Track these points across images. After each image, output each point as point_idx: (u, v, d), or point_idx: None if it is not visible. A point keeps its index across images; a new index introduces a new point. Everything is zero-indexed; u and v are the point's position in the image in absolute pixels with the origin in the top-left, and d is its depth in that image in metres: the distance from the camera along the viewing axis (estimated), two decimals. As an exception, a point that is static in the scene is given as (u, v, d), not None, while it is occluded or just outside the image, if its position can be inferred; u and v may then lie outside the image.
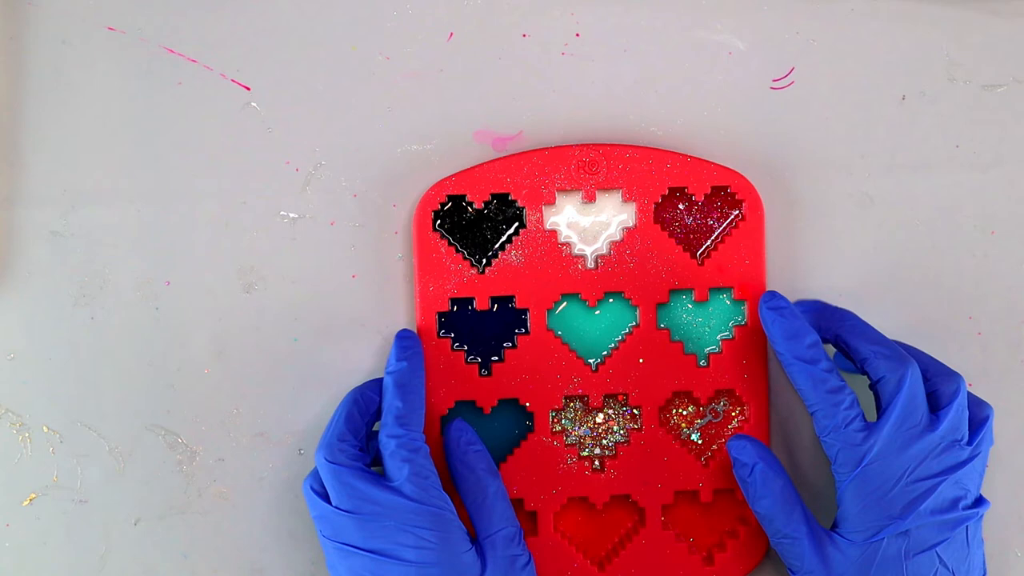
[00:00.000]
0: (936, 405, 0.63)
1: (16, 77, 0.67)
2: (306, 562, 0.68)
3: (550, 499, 0.67)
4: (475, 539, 0.63)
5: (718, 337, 0.67)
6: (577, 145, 0.67)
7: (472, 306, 0.67)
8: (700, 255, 0.68)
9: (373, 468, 0.63)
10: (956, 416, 0.63)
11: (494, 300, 0.67)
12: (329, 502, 0.61)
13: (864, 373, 0.64)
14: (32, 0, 0.67)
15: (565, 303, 0.67)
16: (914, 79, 0.69)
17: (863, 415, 0.62)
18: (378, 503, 0.60)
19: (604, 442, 0.68)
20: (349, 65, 0.67)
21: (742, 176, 0.67)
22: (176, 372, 0.67)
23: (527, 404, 0.67)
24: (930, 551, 0.62)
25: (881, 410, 0.63)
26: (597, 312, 0.68)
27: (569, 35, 0.68)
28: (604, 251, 0.67)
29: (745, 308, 0.67)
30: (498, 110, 0.68)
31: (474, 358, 0.67)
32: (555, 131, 0.68)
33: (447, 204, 0.67)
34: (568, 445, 0.67)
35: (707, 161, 0.67)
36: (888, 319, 0.68)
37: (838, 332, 0.65)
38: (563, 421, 0.67)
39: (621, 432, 0.67)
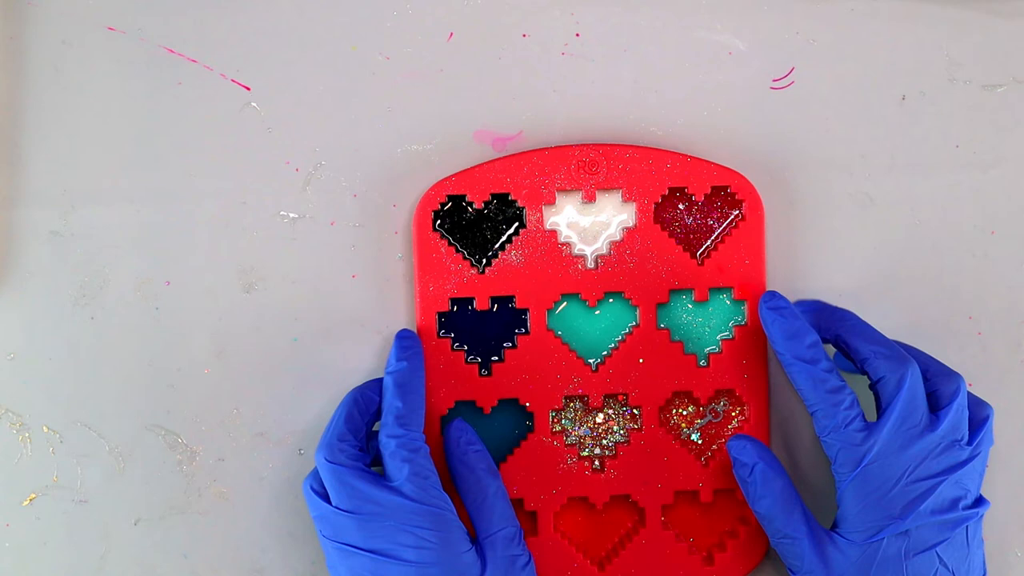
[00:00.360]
0: (936, 405, 0.63)
1: (16, 77, 0.67)
2: (306, 562, 0.68)
3: (550, 499, 0.67)
4: (475, 539, 0.63)
5: (718, 337, 0.67)
6: (577, 145, 0.67)
7: (472, 306, 0.67)
8: (700, 255, 0.68)
9: (373, 468, 0.63)
10: (956, 416, 0.63)
11: (494, 300, 0.67)
12: (329, 502, 0.61)
13: (864, 373, 0.64)
14: (32, 0, 0.67)
15: (565, 303, 0.67)
16: (914, 79, 0.69)
17: (863, 415, 0.62)
18: (378, 503, 0.60)
19: (604, 442, 0.68)
20: (349, 65, 0.67)
21: (742, 176, 0.67)
22: (176, 372, 0.67)
23: (527, 404, 0.67)
24: (930, 551, 0.62)
25: (881, 410, 0.63)
26: (597, 312, 0.68)
27: (569, 35, 0.68)
28: (604, 251, 0.67)
29: (745, 308, 0.67)
30: (498, 110, 0.68)
31: (474, 358, 0.67)
32: (555, 131, 0.68)
33: (447, 204, 0.67)
34: (568, 445, 0.67)
35: (707, 161, 0.67)
36: (888, 319, 0.68)
37: (838, 332, 0.65)
38: (563, 421, 0.67)
39: (621, 432, 0.67)
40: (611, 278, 0.67)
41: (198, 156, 0.67)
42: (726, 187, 0.67)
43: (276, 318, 0.67)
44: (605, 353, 0.67)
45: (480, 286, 0.66)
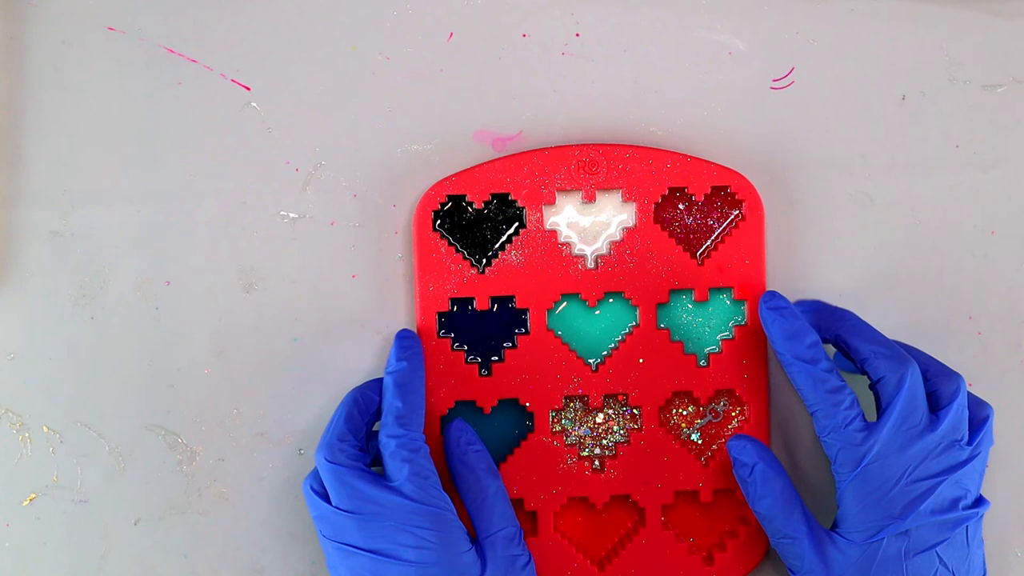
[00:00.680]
0: (936, 405, 0.63)
1: (16, 77, 0.67)
2: (306, 562, 0.68)
3: (550, 499, 0.67)
4: (475, 539, 0.63)
5: (718, 337, 0.67)
6: (577, 145, 0.67)
7: (472, 306, 0.67)
8: (700, 255, 0.68)
9: (373, 468, 0.63)
10: (956, 416, 0.63)
11: (494, 300, 0.67)
12: (329, 502, 0.61)
13: (864, 373, 0.64)
14: (32, 0, 0.67)
15: (565, 303, 0.67)
16: (914, 79, 0.69)
17: (863, 415, 0.62)
18: (378, 503, 0.60)
19: (604, 442, 0.68)
20: (349, 65, 0.67)
21: (742, 176, 0.67)
22: (176, 372, 0.67)
23: (527, 404, 0.67)
24: (930, 551, 0.62)
25: (881, 410, 0.63)
26: (597, 312, 0.68)
27: (569, 35, 0.68)
28: (604, 251, 0.67)
29: (745, 308, 0.67)
30: (498, 110, 0.68)
31: (474, 358, 0.67)
32: (555, 131, 0.68)
33: (447, 204, 0.67)
34: (568, 445, 0.67)
35: (707, 161, 0.67)
36: (888, 319, 0.68)
37: (838, 332, 0.65)
38: (563, 421, 0.67)
39: (621, 432, 0.67)
40: (611, 278, 0.67)
41: (198, 156, 0.67)
42: (726, 187, 0.67)
43: (276, 318, 0.67)
44: (605, 353, 0.67)
45: (480, 286, 0.66)
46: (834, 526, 0.63)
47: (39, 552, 0.67)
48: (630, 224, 0.67)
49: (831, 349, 0.67)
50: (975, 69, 0.69)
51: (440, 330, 0.67)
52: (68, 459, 0.67)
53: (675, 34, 0.68)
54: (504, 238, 0.67)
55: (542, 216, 0.67)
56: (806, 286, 0.68)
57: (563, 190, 0.67)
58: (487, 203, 0.67)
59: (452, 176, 0.66)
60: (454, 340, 0.67)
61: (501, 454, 0.67)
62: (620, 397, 0.67)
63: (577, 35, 0.68)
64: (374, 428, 0.64)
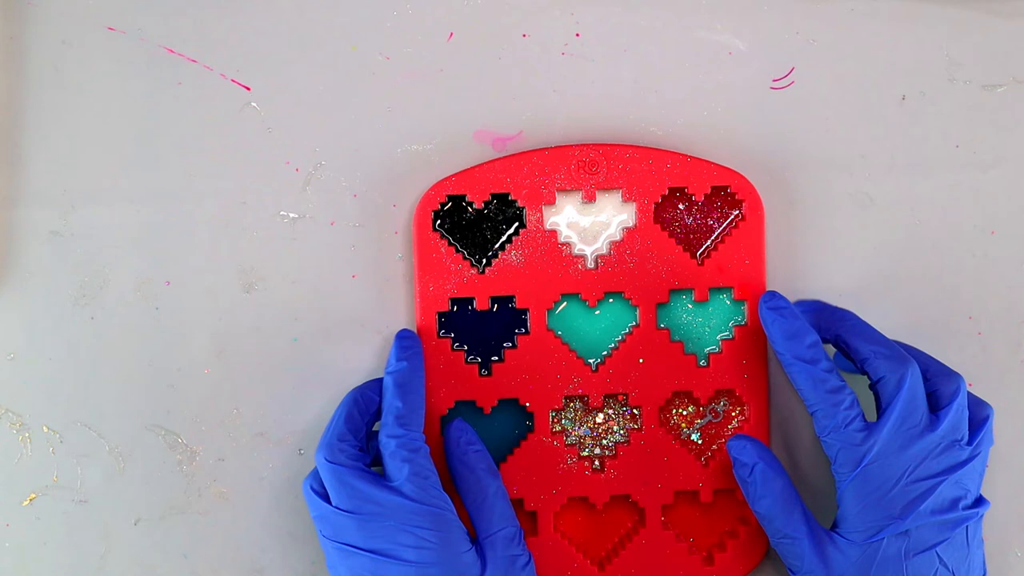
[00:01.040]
0: (936, 405, 0.63)
1: (16, 77, 0.67)
2: (306, 562, 0.68)
3: (550, 499, 0.67)
4: (475, 539, 0.63)
5: (718, 337, 0.67)
6: (577, 145, 0.67)
7: (472, 306, 0.67)
8: (700, 255, 0.68)
9: (373, 468, 0.63)
10: (956, 416, 0.63)
11: (494, 300, 0.67)
12: (329, 502, 0.61)
13: (864, 373, 0.64)
14: (32, 0, 0.67)
15: (565, 303, 0.67)
16: (914, 79, 0.69)
17: (863, 415, 0.62)
18: (378, 503, 0.60)
19: (604, 442, 0.68)
20: (349, 65, 0.67)
21: (742, 176, 0.67)
22: (176, 372, 0.67)
23: (527, 404, 0.67)
24: (930, 551, 0.62)
25: (881, 410, 0.63)
26: (597, 312, 0.68)
27: (569, 35, 0.68)
28: (604, 251, 0.67)
29: (745, 308, 0.67)
30: (498, 110, 0.68)
31: (474, 358, 0.67)
32: (555, 131, 0.68)
33: (447, 204, 0.67)
34: (568, 445, 0.67)
35: (707, 161, 0.67)
36: (888, 319, 0.68)
37: (838, 332, 0.65)
38: (563, 421, 0.67)
39: (621, 432, 0.67)
40: (611, 278, 0.67)
41: (198, 156, 0.67)
42: (726, 187, 0.67)
43: (276, 318, 0.67)
44: (605, 353, 0.67)
45: (480, 286, 0.66)
46: (834, 526, 0.63)
47: (39, 552, 0.67)
48: (630, 224, 0.67)
49: (831, 349, 0.67)
50: (975, 69, 0.69)
51: (440, 330, 0.67)
52: (68, 459, 0.67)
53: (675, 34, 0.68)
54: (504, 238, 0.67)
55: (542, 216, 0.67)
56: (806, 286, 0.68)
57: (563, 190, 0.67)
58: (487, 203, 0.67)
59: (452, 176, 0.66)
60: (454, 340, 0.67)
61: (501, 454, 0.67)
62: (620, 397, 0.67)
63: (577, 35, 0.68)
64: (374, 428, 0.64)
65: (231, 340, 0.67)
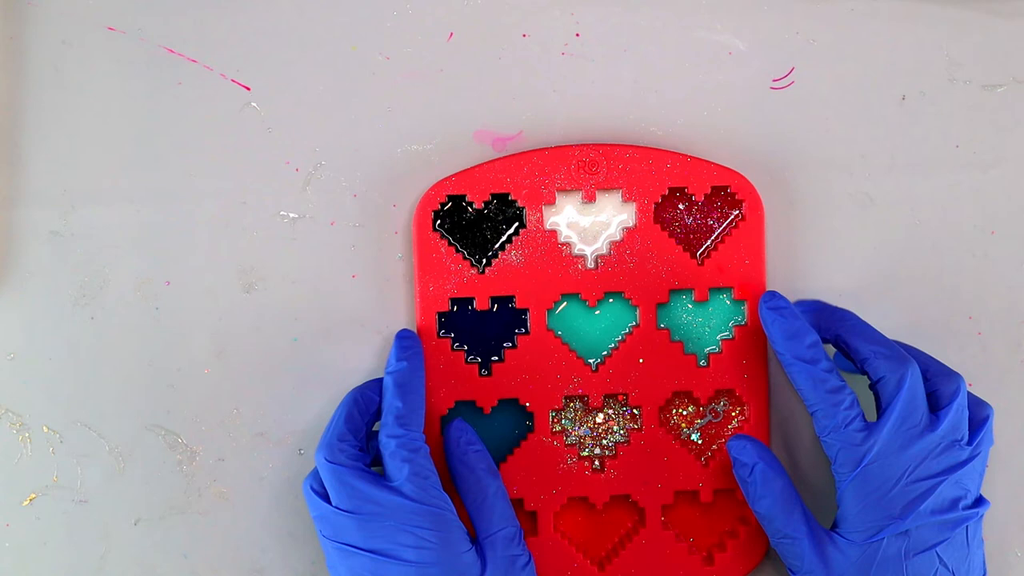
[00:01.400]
0: (936, 405, 0.63)
1: (16, 77, 0.67)
2: (306, 562, 0.68)
3: (550, 499, 0.67)
4: (475, 539, 0.63)
5: (718, 337, 0.67)
6: (577, 145, 0.67)
7: (472, 306, 0.67)
8: (700, 255, 0.68)
9: (373, 468, 0.63)
10: (956, 416, 0.63)
11: (494, 300, 0.67)
12: (329, 502, 0.61)
13: (864, 373, 0.64)
14: (32, 0, 0.67)
15: (565, 303, 0.67)
16: (914, 79, 0.69)
17: (863, 415, 0.62)
18: (378, 503, 0.60)
19: (604, 442, 0.68)
20: (349, 65, 0.67)
21: (742, 176, 0.67)
22: (176, 372, 0.67)
23: (527, 404, 0.67)
24: (930, 551, 0.62)
25: (881, 410, 0.63)
26: (597, 312, 0.68)
27: (569, 35, 0.68)
28: (604, 251, 0.67)
29: (745, 308, 0.67)
30: (498, 110, 0.68)
31: (474, 358, 0.67)
32: (555, 131, 0.68)
33: (447, 204, 0.67)
34: (568, 445, 0.67)
35: (707, 161, 0.67)
36: (888, 319, 0.68)
37: (838, 332, 0.65)
38: (563, 421, 0.67)
39: (621, 432, 0.67)
40: (611, 278, 0.67)
41: (198, 156, 0.67)
42: (726, 187, 0.67)
43: (276, 318, 0.67)
44: (605, 353, 0.67)
45: (480, 286, 0.66)
46: (834, 526, 0.63)
47: (39, 552, 0.67)
48: (630, 224, 0.67)
49: (831, 349, 0.67)
50: (975, 69, 0.69)
51: (440, 330, 0.67)
52: (68, 459, 0.67)
53: (675, 34, 0.68)
54: (504, 238, 0.67)
55: (542, 216, 0.67)
56: (806, 286, 0.68)
57: (563, 190, 0.67)
58: (487, 203, 0.67)
59: (452, 176, 0.66)
60: (454, 340, 0.67)
61: (501, 454, 0.67)
62: (620, 397, 0.67)
63: (577, 35, 0.68)
64: (374, 428, 0.64)
65: (231, 340, 0.67)
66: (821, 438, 0.63)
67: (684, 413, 0.68)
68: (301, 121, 0.67)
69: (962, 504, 0.62)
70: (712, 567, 0.67)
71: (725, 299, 0.67)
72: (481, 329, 0.67)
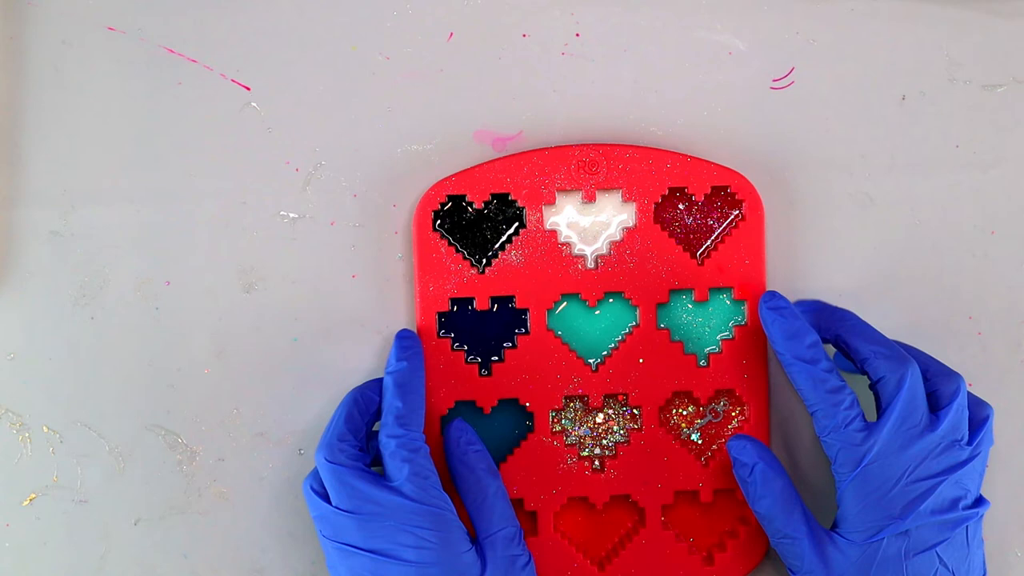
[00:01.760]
0: (936, 405, 0.63)
1: (16, 77, 0.67)
2: (306, 562, 0.68)
3: (550, 499, 0.67)
4: (475, 539, 0.63)
5: (718, 337, 0.67)
6: (577, 145, 0.67)
7: (472, 306, 0.67)
8: (700, 255, 0.68)
9: (373, 468, 0.63)
10: (956, 416, 0.63)
11: (494, 300, 0.67)
12: (329, 502, 0.61)
13: (864, 373, 0.64)
14: (32, 0, 0.67)
15: (565, 303, 0.67)
16: (914, 79, 0.69)
17: (863, 415, 0.62)
18: (378, 503, 0.60)
19: (604, 442, 0.68)
20: (349, 65, 0.67)
21: (742, 176, 0.67)
22: (176, 372, 0.67)
23: (527, 404, 0.67)
24: (930, 551, 0.62)
25: (881, 410, 0.63)
26: (597, 312, 0.68)
27: (569, 35, 0.68)
28: (604, 251, 0.67)
29: (745, 308, 0.67)
30: (498, 110, 0.68)
31: (474, 358, 0.67)
32: (555, 131, 0.68)
33: (447, 204, 0.67)
34: (568, 445, 0.67)
35: (707, 161, 0.67)
36: (888, 319, 0.68)
37: (838, 332, 0.65)
38: (563, 421, 0.67)
39: (621, 432, 0.67)
40: (611, 278, 0.67)
41: (198, 156, 0.67)
42: (726, 187, 0.67)
43: (276, 318, 0.67)
44: (605, 353, 0.67)
45: (480, 286, 0.66)
46: (834, 526, 0.63)
47: (39, 552, 0.67)
48: (630, 224, 0.67)
49: (831, 349, 0.67)
50: (975, 69, 0.69)
51: (440, 330, 0.67)
52: (68, 459, 0.67)
53: (675, 34, 0.68)
54: (504, 238, 0.67)
55: (542, 216, 0.67)
56: (806, 286, 0.68)
57: (563, 190, 0.67)
58: (487, 203, 0.67)
59: (452, 176, 0.66)
60: (454, 340, 0.67)
61: (501, 454, 0.67)
62: (620, 397, 0.67)
63: (577, 35, 0.68)
64: (374, 428, 0.64)
65: (231, 340, 0.67)
66: (821, 438, 0.63)
67: (684, 413, 0.68)
68: (301, 121, 0.67)
69: (962, 504, 0.62)
70: (712, 567, 0.67)
71: (725, 299, 0.67)
72: (481, 329, 0.67)
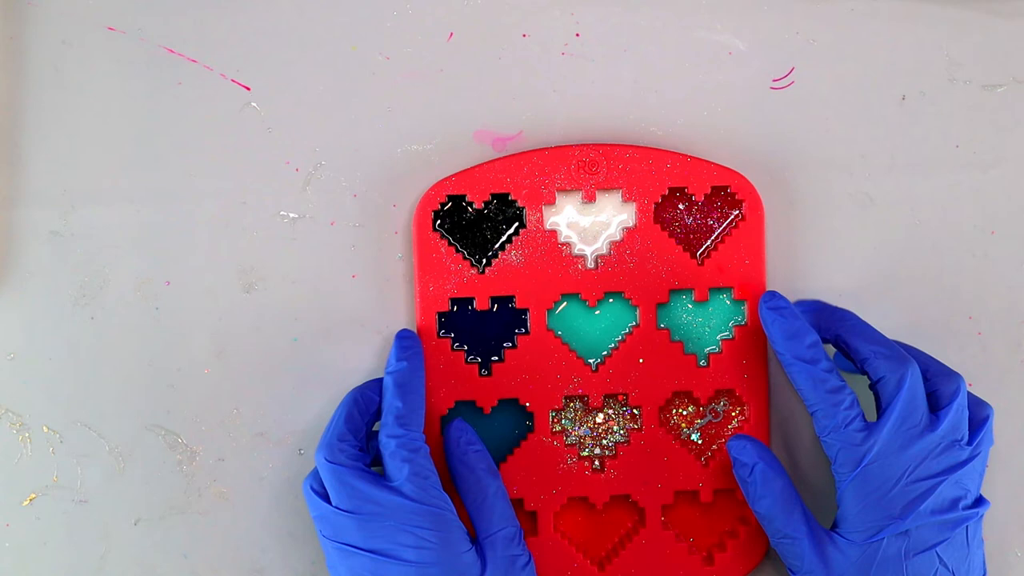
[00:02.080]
0: (936, 405, 0.63)
1: (16, 77, 0.67)
2: (306, 562, 0.68)
3: (550, 499, 0.67)
4: (475, 539, 0.63)
5: (718, 337, 0.67)
6: (577, 145, 0.67)
7: (472, 306, 0.67)
8: (700, 255, 0.68)
9: (373, 468, 0.63)
10: (956, 416, 0.63)
11: (494, 300, 0.67)
12: (329, 502, 0.61)
13: (864, 373, 0.64)
14: (32, 0, 0.67)
15: (565, 303, 0.67)
16: (914, 79, 0.69)
17: (863, 415, 0.62)
18: (378, 503, 0.60)
19: (604, 442, 0.68)
20: (349, 65, 0.67)
21: (742, 176, 0.67)
22: (176, 372, 0.67)
23: (527, 404, 0.67)
24: (930, 551, 0.62)
25: (881, 410, 0.63)
26: (597, 312, 0.68)
27: (569, 35, 0.68)
28: (604, 251, 0.67)
29: (745, 308, 0.67)
30: (498, 110, 0.68)
31: (474, 358, 0.67)
32: (555, 131, 0.68)
33: (447, 204, 0.67)
34: (568, 445, 0.67)
35: (707, 161, 0.67)
36: (888, 319, 0.68)
37: (838, 332, 0.65)
38: (563, 421, 0.67)
39: (621, 432, 0.67)
40: (611, 278, 0.67)
41: (198, 156, 0.67)
42: (726, 187, 0.67)
43: (276, 318, 0.67)
44: (605, 353, 0.67)
45: (480, 286, 0.66)
46: (834, 526, 0.63)
47: (39, 552, 0.67)
48: (630, 224, 0.67)
49: (831, 349, 0.67)
50: (975, 69, 0.69)
51: (440, 330, 0.67)
52: (68, 459, 0.67)
53: (675, 34, 0.68)
54: (504, 238, 0.67)
55: (542, 216, 0.67)
56: (806, 286, 0.68)
57: (563, 190, 0.67)
58: (487, 203, 0.67)
59: (452, 176, 0.66)
60: (454, 340, 0.67)
61: (501, 454, 0.67)
62: (620, 397, 0.67)
63: (577, 35, 0.68)
64: (374, 428, 0.64)
65: (231, 340, 0.67)
66: (821, 438, 0.63)
67: (684, 413, 0.68)
68: (301, 121, 0.67)
69: (962, 504, 0.62)
70: (712, 567, 0.67)
71: (725, 299, 0.67)
72: (481, 329, 0.67)
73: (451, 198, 0.67)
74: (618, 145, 0.67)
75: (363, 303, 0.67)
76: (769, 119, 0.68)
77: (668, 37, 0.68)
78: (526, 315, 0.67)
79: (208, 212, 0.67)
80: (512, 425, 0.68)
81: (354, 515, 0.60)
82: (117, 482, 0.67)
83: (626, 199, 0.67)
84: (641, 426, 0.67)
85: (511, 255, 0.66)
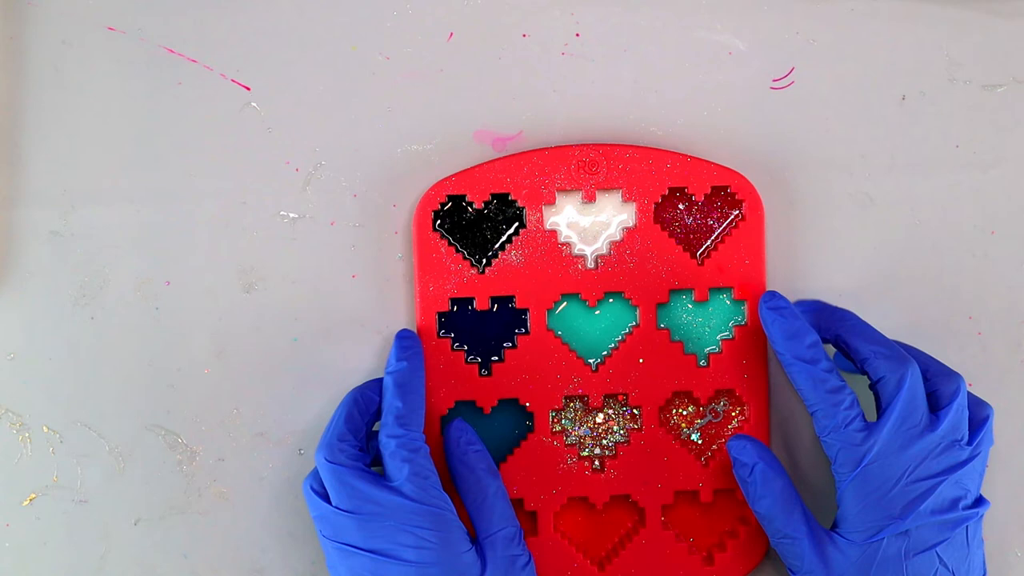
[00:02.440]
0: (936, 405, 0.63)
1: (16, 77, 0.67)
2: (306, 562, 0.68)
3: (550, 499, 0.67)
4: (475, 539, 0.63)
5: (718, 337, 0.67)
6: (577, 145, 0.67)
7: (472, 306, 0.67)
8: (700, 255, 0.68)
9: (373, 468, 0.63)
10: (956, 416, 0.63)
11: (494, 300, 0.67)
12: (329, 502, 0.61)
13: (864, 373, 0.64)
14: (32, 0, 0.67)
15: (565, 303, 0.67)
16: (914, 79, 0.69)
17: (863, 415, 0.62)
18: (378, 503, 0.60)
19: (604, 442, 0.68)
20: (349, 65, 0.67)
21: (742, 176, 0.67)
22: (176, 372, 0.67)
23: (527, 404, 0.67)
24: (930, 551, 0.62)
25: (881, 410, 0.63)
26: (597, 312, 0.68)
27: (569, 35, 0.68)
28: (604, 251, 0.67)
29: (745, 308, 0.67)
30: (498, 110, 0.68)
31: (474, 358, 0.67)
32: (555, 131, 0.68)
33: (447, 204, 0.67)
34: (568, 445, 0.67)
35: (707, 161, 0.67)
36: (888, 319, 0.68)
37: (838, 332, 0.65)
38: (563, 421, 0.67)
39: (621, 432, 0.67)
40: (611, 278, 0.67)
41: (198, 156, 0.67)
42: (726, 187, 0.67)
43: (276, 318, 0.67)
44: (605, 353, 0.67)
45: (480, 286, 0.66)
46: (834, 526, 0.63)
47: (39, 552, 0.67)
48: (630, 224, 0.67)
49: (831, 349, 0.67)
50: (975, 69, 0.69)
51: (440, 330, 0.67)
52: (68, 459, 0.67)
53: (675, 34, 0.68)
54: (504, 238, 0.67)
55: (542, 216, 0.67)
56: (806, 286, 0.68)
57: (563, 190, 0.67)
58: (487, 203, 0.67)
59: (452, 176, 0.66)
60: (454, 340, 0.67)
61: (501, 454, 0.67)
62: (620, 397, 0.67)
63: (577, 35, 0.68)
64: (374, 428, 0.64)
65: (231, 340, 0.67)
66: (821, 438, 0.63)
67: (684, 413, 0.68)
68: (301, 121, 0.67)
69: (962, 504, 0.62)
70: (712, 567, 0.67)
71: (725, 299, 0.67)
72: (481, 329, 0.67)
73: (451, 198, 0.67)
74: (618, 145, 0.67)
75: (363, 303, 0.67)
76: (769, 119, 0.68)
77: (668, 37, 0.68)
78: (526, 315, 0.67)
79: (208, 212, 0.67)
80: (512, 425, 0.68)
81: (354, 515, 0.60)
82: (117, 482, 0.67)
83: (626, 199, 0.67)
84: (641, 426, 0.67)
85: (511, 255, 0.66)
